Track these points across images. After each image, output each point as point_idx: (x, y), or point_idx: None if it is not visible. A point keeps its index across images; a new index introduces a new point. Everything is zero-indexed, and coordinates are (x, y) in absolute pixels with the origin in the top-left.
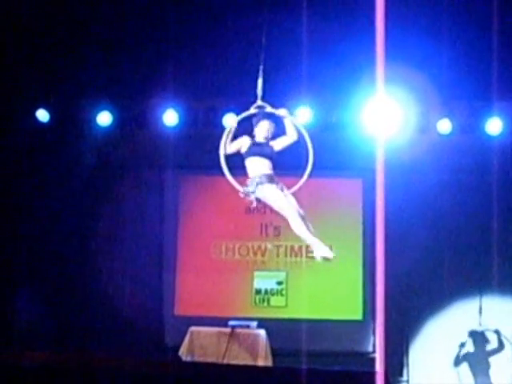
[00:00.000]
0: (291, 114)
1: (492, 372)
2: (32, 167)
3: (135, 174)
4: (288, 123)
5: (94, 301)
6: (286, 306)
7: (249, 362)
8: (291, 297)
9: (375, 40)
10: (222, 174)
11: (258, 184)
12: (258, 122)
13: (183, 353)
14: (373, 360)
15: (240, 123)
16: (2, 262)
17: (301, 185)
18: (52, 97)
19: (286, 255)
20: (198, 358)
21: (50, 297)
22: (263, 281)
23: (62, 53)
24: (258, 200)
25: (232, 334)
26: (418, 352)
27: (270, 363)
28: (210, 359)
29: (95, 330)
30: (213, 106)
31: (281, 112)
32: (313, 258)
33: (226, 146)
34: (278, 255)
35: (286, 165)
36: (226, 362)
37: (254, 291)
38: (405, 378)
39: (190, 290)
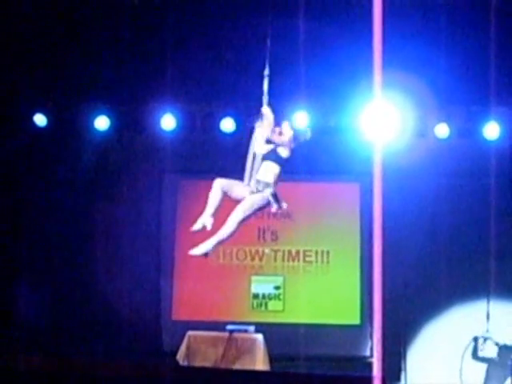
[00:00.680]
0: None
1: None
2: (30, 171)
3: (133, 179)
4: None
5: (91, 305)
6: (284, 310)
7: (246, 366)
8: (289, 301)
9: (373, 45)
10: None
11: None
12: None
13: (181, 357)
14: (370, 364)
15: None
16: None
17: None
18: (49, 101)
19: (283, 260)
20: (196, 363)
21: (48, 300)
22: (261, 285)
23: (59, 57)
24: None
25: (230, 339)
26: (416, 356)
27: (267, 368)
28: (208, 364)
29: (93, 334)
30: (210, 110)
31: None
32: (311, 262)
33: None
34: (275, 260)
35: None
36: (223, 366)
37: (251, 296)
38: (402, 382)
39: (188, 294)
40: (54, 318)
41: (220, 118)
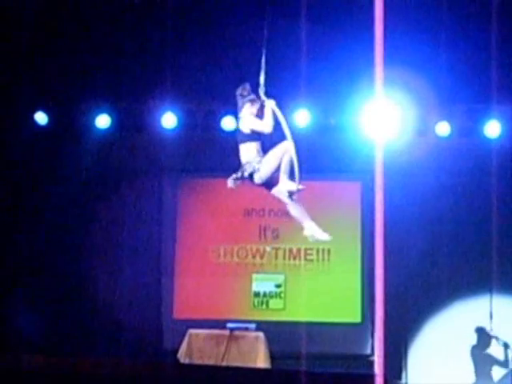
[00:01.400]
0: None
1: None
2: (30, 170)
3: (134, 177)
4: (268, 112)
5: (92, 304)
6: (285, 308)
7: (247, 364)
8: (290, 299)
9: (374, 43)
10: (221, 176)
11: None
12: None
13: (182, 355)
14: (372, 363)
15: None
16: None
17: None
18: (50, 100)
19: (284, 258)
20: (197, 361)
21: (48, 301)
22: (262, 283)
23: (60, 56)
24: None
25: (231, 337)
26: (417, 355)
27: (268, 366)
28: (209, 362)
29: (94, 332)
30: (211, 109)
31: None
32: (312, 260)
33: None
34: (276, 258)
35: None
36: (224, 364)
37: (252, 294)
38: (404, 380)
39: (189, 292)
40: (54, 317)
41: (221, 117)
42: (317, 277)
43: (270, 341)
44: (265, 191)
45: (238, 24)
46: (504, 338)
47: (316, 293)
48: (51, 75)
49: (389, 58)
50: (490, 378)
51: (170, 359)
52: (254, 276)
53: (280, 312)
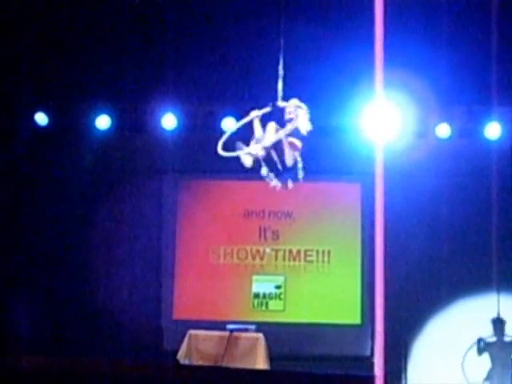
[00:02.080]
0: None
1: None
2: (30, 170)
3: (133, 178)
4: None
5: (92, 304)
6: (284, 310)
7: (247, 365)
8: (289, 301)
9: (374, 44)
10: (221, 178)
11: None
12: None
13: (182, 356)
14: (371, 364)
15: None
16: None
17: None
18: (51, 100)
19: (284, 259)
20: (197, 362)
21: (49, 301)
22: (261, 285)
23: (60, 56)
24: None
25: (230, 338)
26: (417, 356)
27: (268, 367)
28: (209, 363)
29: (94, 333)
30: (211, 110)
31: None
32: (312, 262)
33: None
34: (276, 259)
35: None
36: (224, 365)
37: (252, 295)
38: (403, 382)
39: (189, 293)
40: (54, 318)
41: (221, 118)
42: (317, 278)
43: (270, 342)
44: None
45: (238, 25)
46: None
47: (316, 294)
48: (51, 76)
49: (389, 60)
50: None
51: (170, 360)
52: (254, 277)
53: (280, 313)
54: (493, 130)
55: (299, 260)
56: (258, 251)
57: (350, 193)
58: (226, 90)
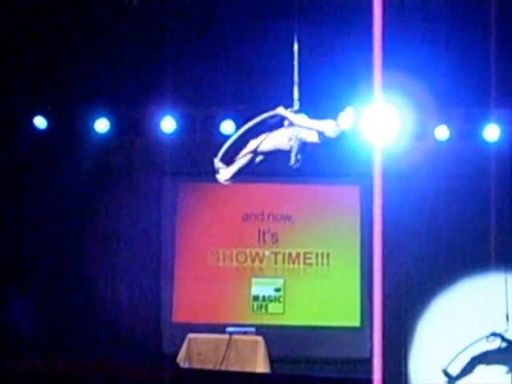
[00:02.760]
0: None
1: None
2: (29, 174)
3: (133, 181)
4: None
5: (91, 307)
6: (284, 312)
7: (247, 368)
8: (289, 304)
9: (372, 47)
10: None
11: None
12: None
13: (181, 359)
14: (370, 367)
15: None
16: None
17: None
18: (50, 103)
19: (283, 262)
20: (196, 365)
21: (47, 304)
22: (261, 287)
23: (59, 59)
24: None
25: (230, 341)
26: (416, 359)
27: (267, 370)
28: (208, 366)
29: (93, 336)
30: (210, 113)
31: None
32: (311, 264)
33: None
34: (275, 262)
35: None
36: (223, 368)
37: (251, 298)
38: None
39: (188, 296)
40: (53, 321)
41: (220, 121)
42: (316, 281)
43: (270, 345)
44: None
45: (237, 29)
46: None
47: (315, 297)
48: (50, 79)
49: (387, 62)
50: None
51: (170, 363)
52: (254, 280)
53: (279, 316)
54: (491, 132)
55: (298, 263)
56: (257, 254)
57: (349, 195)
58: (225, 93)
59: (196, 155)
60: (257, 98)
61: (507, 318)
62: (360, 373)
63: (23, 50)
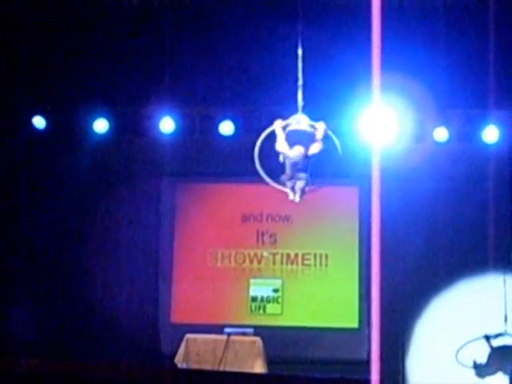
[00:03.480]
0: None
1: None
2: (28, 174)
3: (131, 181)
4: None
5: (89, 308)
6: (282, 313)
7: (245, 369)
8: (287, 304)
9: (371, 48)
10: (219, 181)
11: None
12: None
13: (179, 360)
14: (368, 368)
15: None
16: None
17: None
18: (48, 104)
19: (282, 263)
20: (194, 365)
21: (46, 304)
22: (259, 288)
23: (58, 59)
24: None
25: (228, 342)
26: (414, 360)
27: (265, 370)
28: (206, 366)
29: (91, 337)
30: (209, 113)
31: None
32: (309, 265)
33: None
34: (274, 263)
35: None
36: (221, 369)
37: (249, 299)
38: None
39: (186, 297)
40: (51, 321)
41: (219, 121)
42: (314, 282)
43: (268, 346)
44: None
45: (235, 30)
46: None
47: (313, 298)
48: (49, 79)
49: (386, 64)
50: None
51: (167, 364)
52: (252, 281)
53: (277, 317)
54: (490, 134)
55: (297, 264)
56: (255, 255)
57: (348, 196)
58: (224, 93)
59: (195, 156)
60: (256, 98)
61: (505, 319)
62: (358, 374)
63: (22, 50)
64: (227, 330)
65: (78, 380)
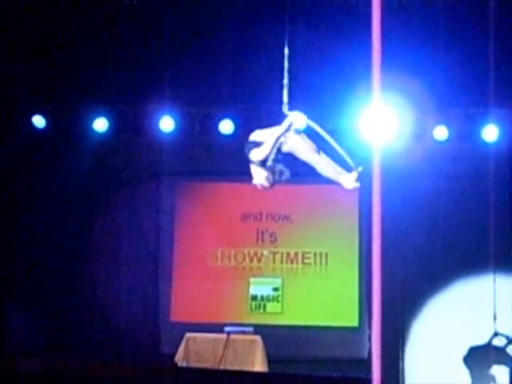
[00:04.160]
0: None
1: None
2: (27, 173)
3: (131, 181)
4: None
5: (90, 307)
6: (282, 312)
7: (245, 367)
8: (287, 303)
9: (371, 47)
10: (219, 180)
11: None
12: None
13: (179, 359)
14: (369, 366)
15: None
16: None
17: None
18: (48, 103)
19: (282, 262)
20: (194, 364)
21: (46, 304)
22: (259, 287)
23: (58, 59)
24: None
25: (228, 340)
26: (414, 359)
27: (265, 369)
28: (206, 365)
29: (91, 336)
30: (209, 112)
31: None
32: (309, 264)
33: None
34: (274, 262)
35: None
36: (221, 368)
37: (249, 297)
38: None
39: (186, 296)
40: (52, 321)
41: (219, 120)
42: (314, 280)
43: (268, 344)
44: (262, 195)
45: (236, 28)
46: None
47: (313, 297)
48: (49, 78)
49: (386, 63)
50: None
51: (168, 363)
52: (252, 280)
53: (277, 316)
54: (490, 133)
55: (297, 262)
56: (255, 253)
57: (348, 195)
58: (224, 92)
59: (195, 154)
60: (256, 97)
61: (494, 318)
62: (358, 372)
63: (22, 50)
64: (227, 328)
65: (78, 380)
